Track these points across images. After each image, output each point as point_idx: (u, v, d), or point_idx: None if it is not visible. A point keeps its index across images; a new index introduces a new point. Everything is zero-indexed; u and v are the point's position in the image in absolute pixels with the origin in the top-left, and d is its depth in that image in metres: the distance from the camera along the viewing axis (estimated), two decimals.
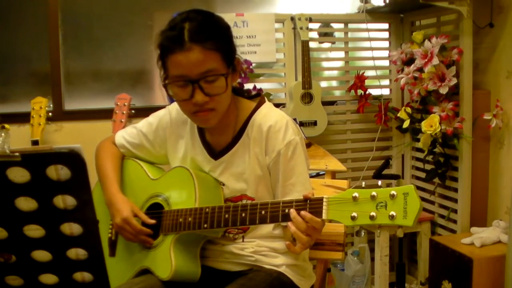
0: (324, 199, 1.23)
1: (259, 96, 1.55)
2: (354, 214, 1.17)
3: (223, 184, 1.51)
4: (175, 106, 1.56)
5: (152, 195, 1.56)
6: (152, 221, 1.47)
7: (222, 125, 1.48)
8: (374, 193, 1.16)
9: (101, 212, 1.56)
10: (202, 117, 1.41)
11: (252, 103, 1.52)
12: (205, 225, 1.38)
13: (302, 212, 1.24)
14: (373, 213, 1.15)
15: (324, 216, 1.22)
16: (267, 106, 1.52)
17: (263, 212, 1.30)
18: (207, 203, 1.41)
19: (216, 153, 1.52)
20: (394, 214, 1.13)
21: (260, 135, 1.46)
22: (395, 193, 1.13)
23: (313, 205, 1.24)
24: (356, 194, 1.18)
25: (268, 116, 1.47)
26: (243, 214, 1.33)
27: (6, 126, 2.22)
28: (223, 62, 1.38)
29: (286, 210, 1.27)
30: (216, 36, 1.36)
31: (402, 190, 1.13)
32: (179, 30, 1.34)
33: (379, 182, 1.21)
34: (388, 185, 2.96)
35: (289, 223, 1.26)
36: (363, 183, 1.23)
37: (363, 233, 3.00)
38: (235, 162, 1.49)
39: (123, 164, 1.67)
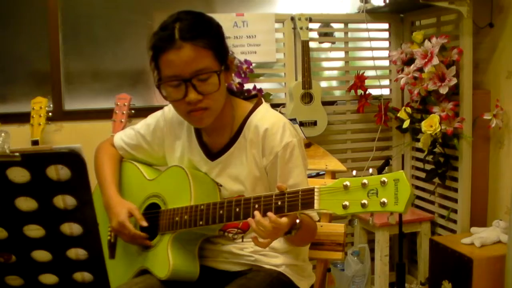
0: (316, 189, 1.22)
1: (256, 97, 1.55)
2: (346, 202, 1.16)
3: (221, 186, 1.51)
4: (171, 106, 1.56)
5: (149, 195, 1.56)
6: (145, 224, 1.47)
7: (218, 126, 1.48)
8: (365, 180, 1.15)
9: (101, 214, 1.56)
10: (196, 116, 1.41)
11: (249, 104, 1.52)
12: (201, 222, 1.38)
13: (268, 213, 1.26)
14: (364, 201, 1.14)
15: (316, 206, 1.21)
16: (264, 108, 1.51)
17: (256, 206, 1.30)
18: (203, 201, 1.41)
19: (213, 154, 1.52)
20: (386, 201, 1.11)
21: (256, 136, 1.46)
22: (385, 180, 1.12)
23: (304, 195, 1.24)
24: (347, 182, 1.17)
25: (265, 118, 1.47)
26: (237, 209, 1.34)
27: None
28: (215, 60, 1.38)
29: (279, 203, 1.27)
30: (207, 34, 1.37)
31: (393, 177, 1.12)
32: (170, 30, 1.35)
33: (370, 170, 1.20)
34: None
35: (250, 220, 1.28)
36: (354, 171, 1.21)
37: (356, 222, 2.98)
38: (232, 163, 1.49)
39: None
